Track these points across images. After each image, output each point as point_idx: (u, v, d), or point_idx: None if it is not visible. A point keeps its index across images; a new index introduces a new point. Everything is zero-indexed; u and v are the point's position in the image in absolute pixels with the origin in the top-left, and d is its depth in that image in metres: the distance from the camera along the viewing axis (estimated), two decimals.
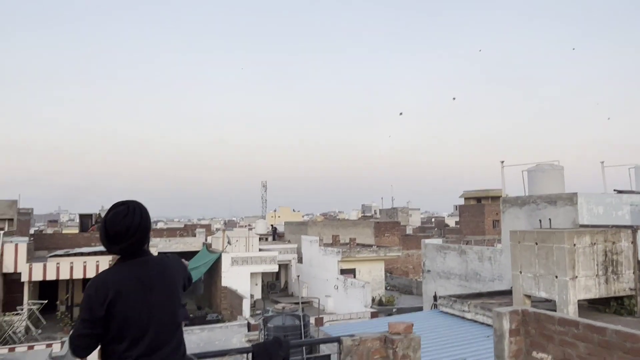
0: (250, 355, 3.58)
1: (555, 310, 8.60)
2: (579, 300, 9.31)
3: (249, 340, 13.54)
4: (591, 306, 9.99)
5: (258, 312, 24.37)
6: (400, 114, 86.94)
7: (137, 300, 2.29)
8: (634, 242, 9.91)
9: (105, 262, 21.88)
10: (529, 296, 10.01)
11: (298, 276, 25.37)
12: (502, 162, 16.19)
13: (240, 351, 3.72)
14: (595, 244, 9.57)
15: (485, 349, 8.67)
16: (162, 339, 2.35)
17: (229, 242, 27.02)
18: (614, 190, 14.02)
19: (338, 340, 3.87)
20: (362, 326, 13.68)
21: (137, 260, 2.39)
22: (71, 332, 2.34)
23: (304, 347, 3.69)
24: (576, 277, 9.26)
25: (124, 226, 2.29)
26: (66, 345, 14.67)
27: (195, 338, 15.65)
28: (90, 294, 2.24)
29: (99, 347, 2.36)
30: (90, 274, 21.70)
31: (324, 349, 7.73)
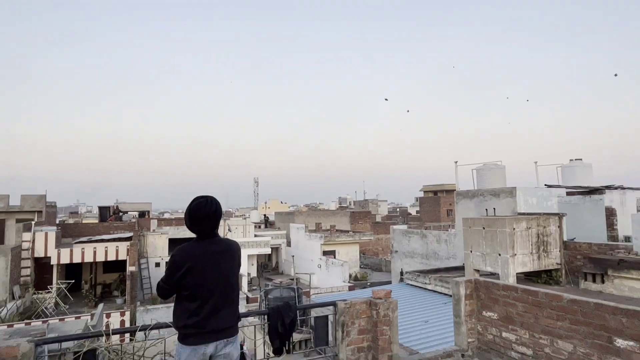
0: (266, 316, 3.84)
1: None
2: (517, 273, 9.73)
3: (249, 310, 13.70)
4: (526, 278, 10.40)
5: (254, 287, 24.46)
6: (386, 99, 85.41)
7: (208, 268, 2.55)
8: (560, 226, 10.36)
9: (123, 247, 21.67)
10: (477, 270, 10.36)
11: (293, 256, 25.48)
12: (456, 162, 16.66)
13: (259, 313, 3.93)
14: (530, 228, 9.96)
15: (443, 313, 9.02)
16: (223, 302, 2.61)
17: (229, 230, 27.01)
18: (545, 185, 14.56)
19: (334, 304, 4.13)
20: (342, 297, 13.93)
21: (209, 239, 2.65)
22: (159, 282, 2.64)
23: (297, 311, 3.93)
24: (515, 254, 9.68)
25: (204, 213, 2.60)
26: (98, 312, 14.56)
27: None
28: (176, 259, 2.54)
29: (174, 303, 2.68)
30: (111, 257, 21.46)
31: (313, 314, 7.98)
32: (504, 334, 4.44)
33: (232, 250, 2.73)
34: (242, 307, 15.41)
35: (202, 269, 2.53)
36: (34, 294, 18.52)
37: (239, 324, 2.88)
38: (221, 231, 26.46)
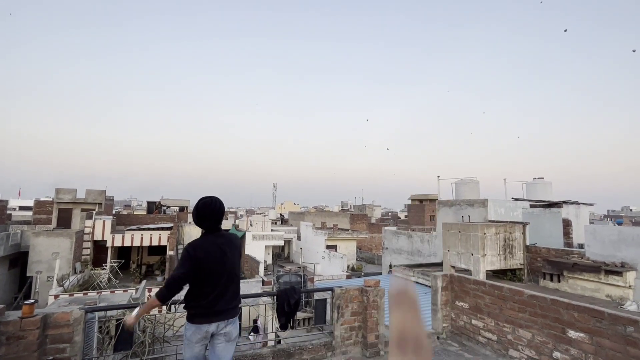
0: (275, 297, 3.78)
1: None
2: (486, 271, 9.56)
3: (264, 291, 13.60)
4: (494, 275, 10.24)
5: (269, 273, 24.31)
6: (387, 149, 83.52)
7: (216, 258, 2.43)
8: (523, 233, 10.18)
9: (165, 235, 21.73)
10: (454, 267, 10.21)
11: (301, 248, 25.30)
12: (439, 176, 16.50)
13: (269, 294, 3.88)
14: (498, 233, 9.82)
15: (424, 301, 8.89)
16: (230, 286, 2.50)
17: (251, 224, 26.99)
18: (512, 198, 14.34)
19: (331, 289, 4.05)
20: (340, 284, 13.79)
21: (216, 233, 2.53)
22: (170, 276, 2.39)
23: (303, 294, 3.85)
24: (485, 255, 9.52)
25: (209, 210, 2.47)
26: (142, 287, 14.57)
27: None
28: (189, 252, 2.40)
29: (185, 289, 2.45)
30: (155, 243, 21.54)
31: (316, 297, 7.89)
32: (473, 321, 4.32)
33: (234, 243, 2.61)
34: (258, 289, 15.29)
35: (211, 259, 2.42)
36: (92, 269, 18.65)
37: (254, 300, 2.78)
38: (244, 225, 26.37)
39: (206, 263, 2.39)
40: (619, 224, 14.52)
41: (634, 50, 14.13)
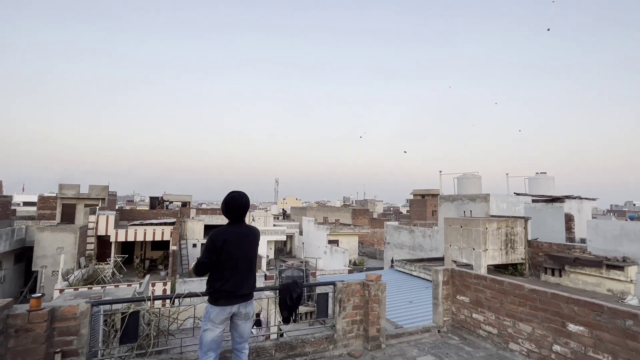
0: (278, 291, 3.82)
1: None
2: (488, 265, 9.58)
3: (266, 285, 13.68)
4: (496, 269, 10.27)
5: (271, 267, 24.48)
6: (405, 152, 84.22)
7: (237, 246, 2.68)
8: (525, 228, 10.19)
9: (168, 230, 21.82)
10: (455, 261, 10.26)
11: (303, 243, 25.39)
12: (440, 171, 16.50)
13: (272, 288, 3.92)
14: (500, 228, 9.84)
15: (425, 295, 8.92)
16: (248, 272, 2.77)
17: (253, 219, 27.09)
18: (514, 193, 14.32)
19: (333, 283, 4.09)
20: (342, 278, 13.81)
21: (238, 224, 2.78)
22: (197, 260, 2.68)
23: (305, 288, 3.91)
24: (487, 249, 9.54)
25: (236, 203, 2.74)
26: (145, 281, 14.71)
27: None
28: (214, 238, 2.65)
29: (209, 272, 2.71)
30: (158, 238, 21.64)
31: (318, 291, 7.94)
32: (474, 315, 4.36)
33: (254, 234, 2.88)
34: (261, 283, 15.38)
35: (234, 246, 2.66)
36: (96, 264, 18.82)
37: (257, 293, 2.96)
38: (246, 219, 26.76)
39: (227, 249, 2.63)
40: (631, 218, 14.42)
41: None
